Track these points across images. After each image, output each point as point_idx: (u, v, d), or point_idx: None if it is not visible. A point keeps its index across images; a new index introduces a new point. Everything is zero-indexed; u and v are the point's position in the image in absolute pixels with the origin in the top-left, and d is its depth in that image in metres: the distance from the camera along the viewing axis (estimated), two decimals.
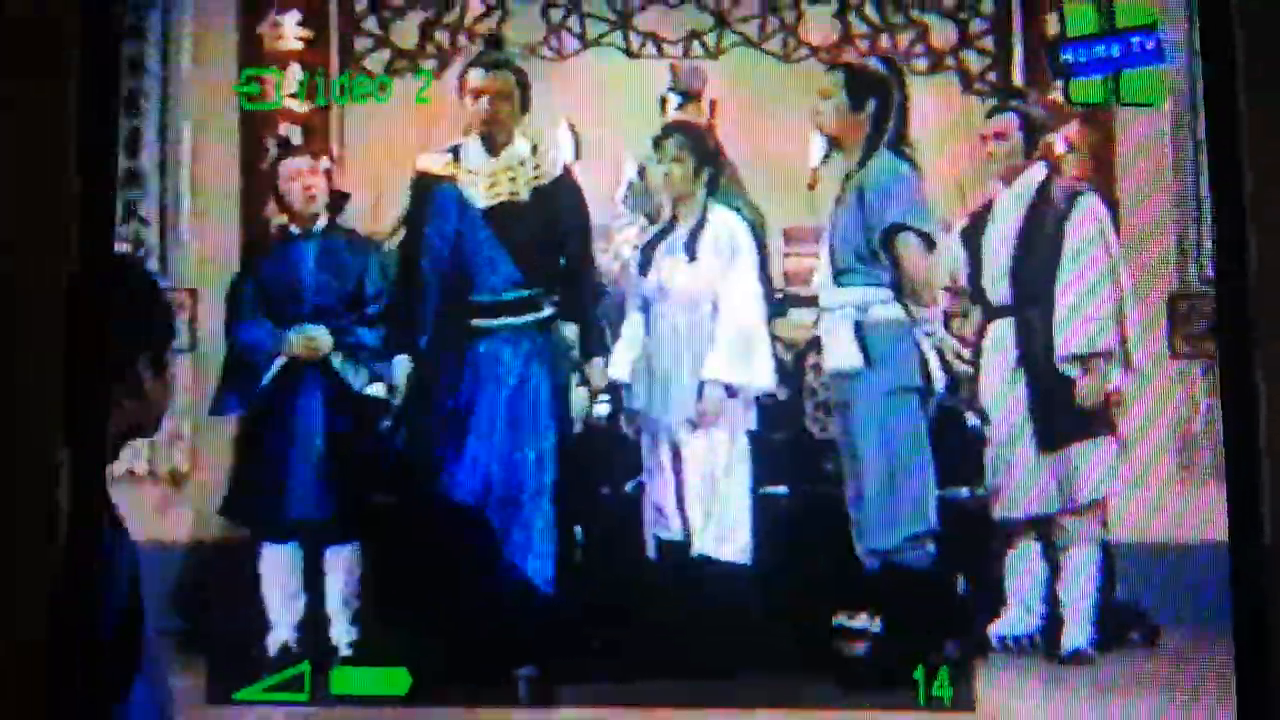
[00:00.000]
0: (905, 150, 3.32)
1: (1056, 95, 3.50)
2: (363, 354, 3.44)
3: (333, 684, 3.01)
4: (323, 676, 3.02)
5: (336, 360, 3.43)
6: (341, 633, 3.32)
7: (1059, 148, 3.50)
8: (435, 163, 3.44)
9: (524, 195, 3.40)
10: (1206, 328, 3.35)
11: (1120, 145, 3.49)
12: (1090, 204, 3.39)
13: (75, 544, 2.19)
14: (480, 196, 3.40)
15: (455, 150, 3.44)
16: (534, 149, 3.43)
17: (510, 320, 3.36)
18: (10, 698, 2.23)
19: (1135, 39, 3.18)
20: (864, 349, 3.24)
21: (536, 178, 3.41)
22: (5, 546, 2.27)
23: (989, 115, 3.52)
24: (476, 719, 2.98)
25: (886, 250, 3.26)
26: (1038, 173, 3.44)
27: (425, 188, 3.43)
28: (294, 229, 3.51)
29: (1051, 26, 3.55)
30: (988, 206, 3.46)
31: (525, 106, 3.42)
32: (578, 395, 3.40)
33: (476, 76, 3.41)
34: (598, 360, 3.42)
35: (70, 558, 2.19)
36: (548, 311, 3.39)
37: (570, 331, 3.43)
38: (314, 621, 3.34)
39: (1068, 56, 3.23)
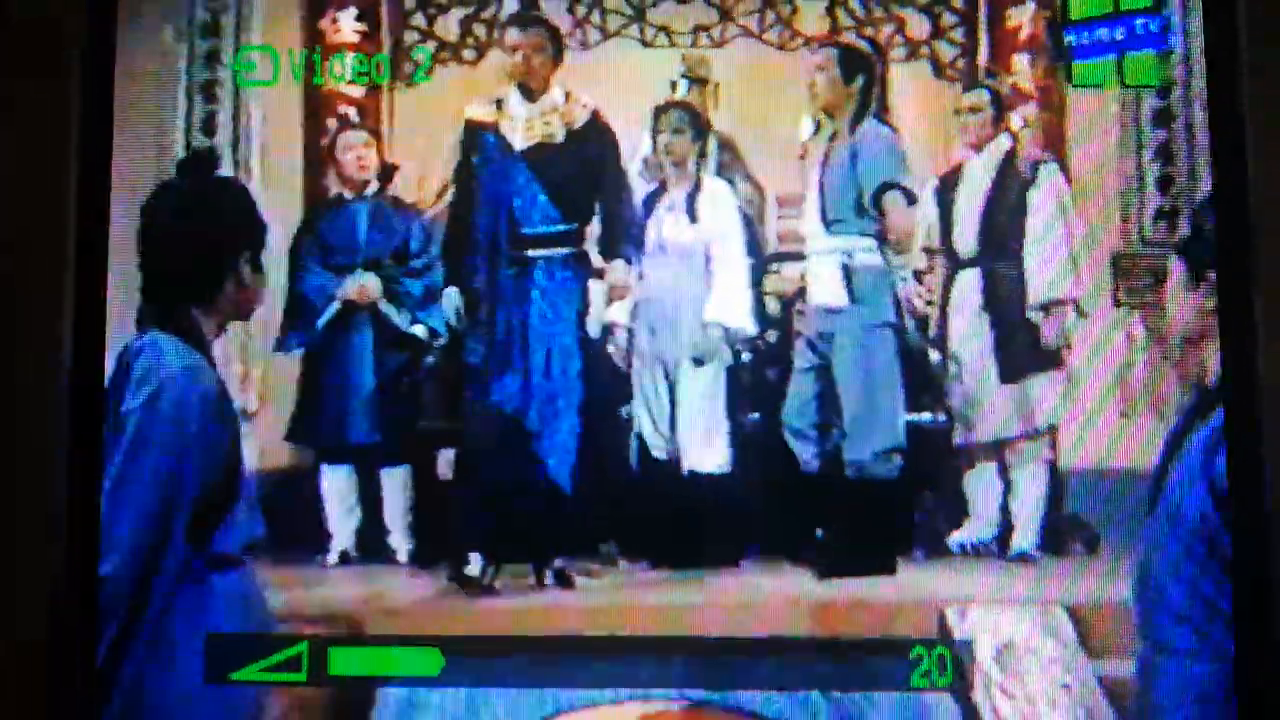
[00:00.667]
0: (887, 119, 3.78)
1: (1017, 79, 3.97)
2: (408, 300, 3.84)
3: (331, 664, 2.87)
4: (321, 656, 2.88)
5: (384, 305, 3.84)
6: (399, 540, 3.75)
7: (1016, 123, 3.90)
8: (480, 111, 3.81)
9: (559, 136, 3.75)
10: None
11: (1071, 123, 3.85)
12: (1050, 172, 3.77)
13: (75, 544, 2.38)
14: (519, 139, 3.76)
15: (498, 101, 3.80)
16: (567, 95, 3.78)
17: (547, 251, 3.72)
18: (10, 698, 2.36)
19: (1139, 21, 3.18)
20: (849, 288, 3.71)
21: (569, 120, 3.75)
22: (5, 546, 2.41)
23: (964, 90, 3.95)
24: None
25: (876, 205, 3.70)
26: (1005, 142, 3.85)
27: (472, 134, 3.79)
28: (348, 194, 3.93)
29: (1013, 20, 4.00)
30: (957, 170, 3.87)
31: (559, 58, 3.78)
32: (596, 293, 3.76)
33: (513, 34, 3.77)
34: (618, 262, 3.76)
35: (70, 558, 2.37)
36: (581, 245, 3.74)
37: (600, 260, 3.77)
38: (370, 533, 3.75)
39: (1070, 39, 3.24)
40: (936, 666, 2.76)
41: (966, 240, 3.86)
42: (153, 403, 2.24)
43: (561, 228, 3.73)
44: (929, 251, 3.90)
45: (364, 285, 3.84)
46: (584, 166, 3.76)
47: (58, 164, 2.51)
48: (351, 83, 3.97)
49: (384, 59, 3.92)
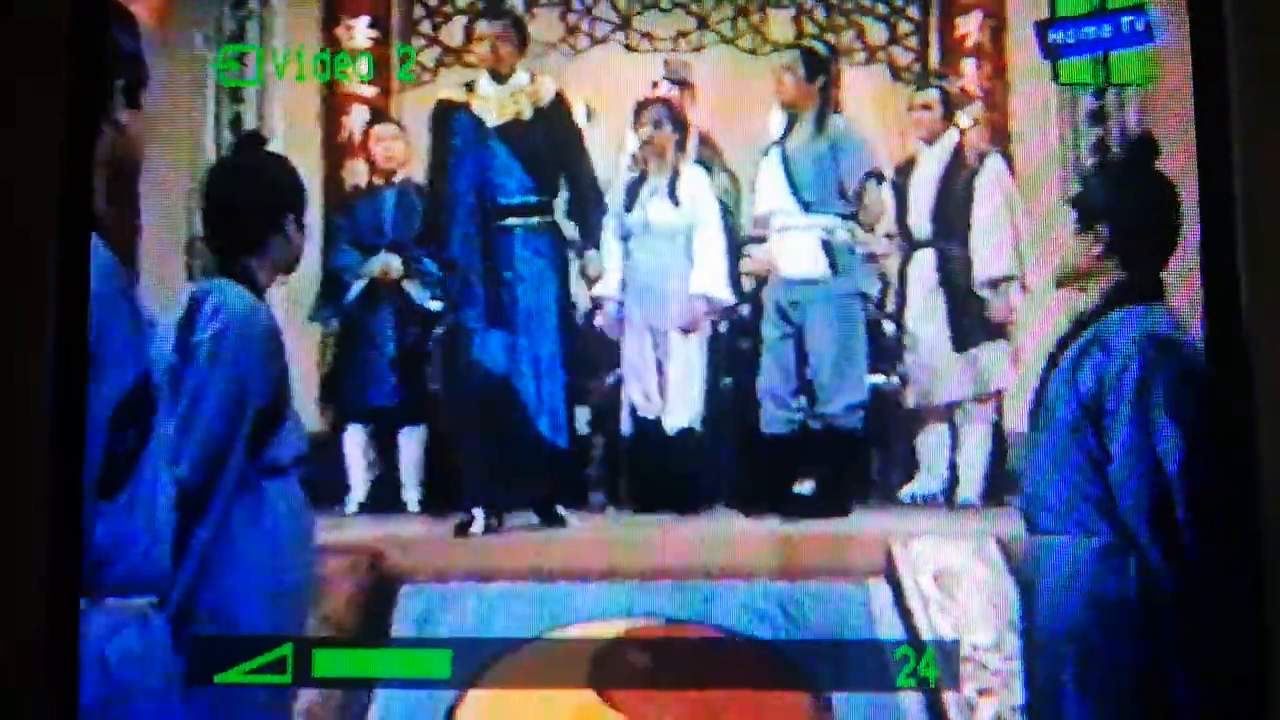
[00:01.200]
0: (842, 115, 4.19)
1: (964, 82, 4.37)
2: (427, 278, 4.19)
3: (315, 666, 2.93)
4: (305, 658, 2.93)
5: (407, 283, 4.21)
6: (411, 492, 4.17)
7: (965, 120, 4.30)
8: (453, 94, 4.14)
9: (528, 114, 4.08)
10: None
11: (1014, 121, 4.26)
12: (995, 163, 4.17)
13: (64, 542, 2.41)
14: (492, 117, 4.08)
15: (469, 84, 4.12)
16: (532, 77, 4.11)
17: (523, 220, 4.05)
18: (10, 697, 2.41)
19: (1125, 19, 3.18)
20: (830, 261, 4.11)
21: (536, 99, 4.08)
22: (5, 546, 2.48)
23: (918, 89, 4.35)
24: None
25: (858, 191, 4.13)
26: (954, 136, 4.26)
27: (445, 114, 4.12)
28: (377, 180, 4.31)
29: (961, 29, 4.41)
30: (910, 161, 4.28)
31: (524, 46, 4.11)
32: (578, 286, 4.12)
33: (482, 26, 4.13)
34: (592, 253, 4.14)
35: (60, 557, 2.41)
36: (553, 215, 4.08)
37: (571, 230, 4.14)
38: (384, 486, 4.16)
39: (1057, 37, 3.26)
40: (922, 667, 2.93)
41: (921, 223, 4.27)
42: (221, 334, 2.68)
43: (535, 198, 4.07)
44: (887, 236, 4.30)
45: (387, 265, 4.21)
46: (553, 141, 4.09)
47: (48, 159, 2.57)
48: (368, 82, 4.34)
49: (368, 58, 4.26)
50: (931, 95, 4.33)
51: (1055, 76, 3.32)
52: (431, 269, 4.19)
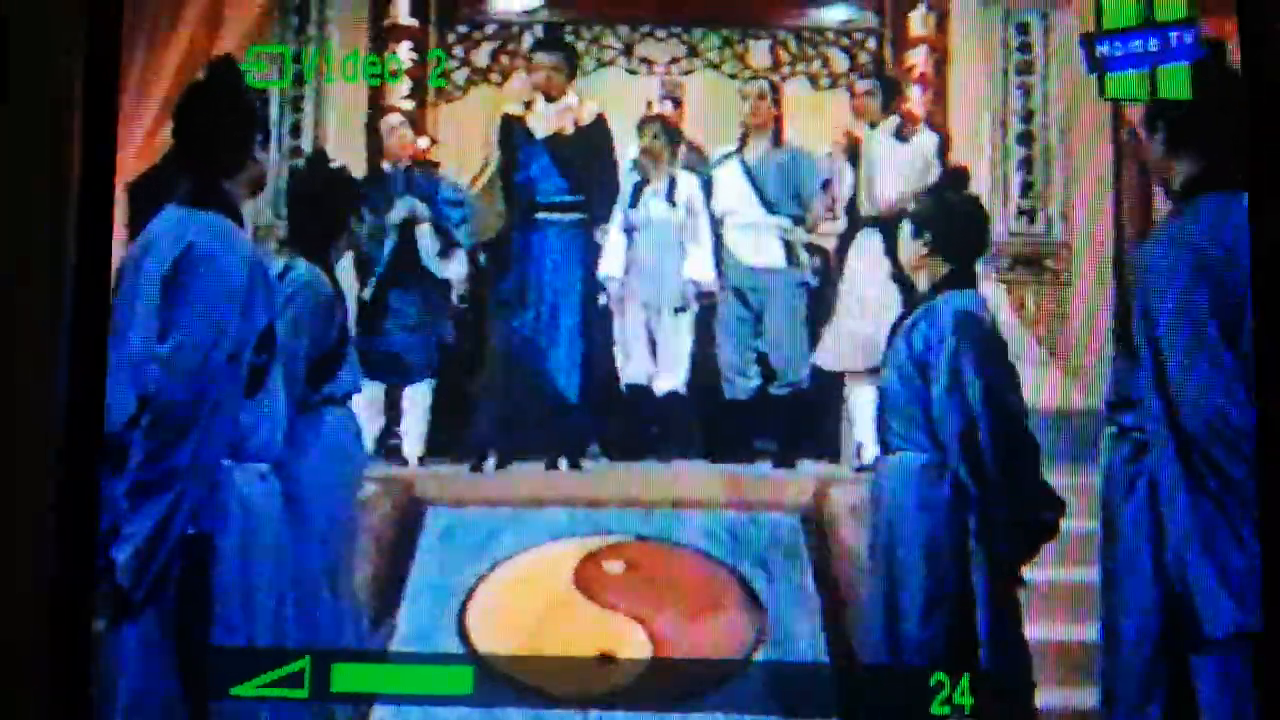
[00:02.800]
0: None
1: (911, 106, 5.00)
2: (448, 224, 4.74)
3: (334, 681, 3.06)
4: (324, 672, 3.08)
5: (420, 228, 4.73)
6: (413, 442, 4.79)
7: (912, 106, 4.95)
8: (514, 109, 4.85)
9: (570, 130, 4.76)
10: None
11: (953, 143, 4.84)
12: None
13: (69, 545, 2.58)
14: (541, 130, 4.77)
15: (528, 102, 4.82)
16: (580, 100, 4.79)
17: (559, 216, 4.74)
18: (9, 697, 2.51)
19: (1173, 33, 3.15)
20: (786, 255, 4.84)
21: (579, 119, 4.75)
22: (5, 545, 2.59)
23: (861, 78, 5.00)
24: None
25: (810, 198, 4.85)
26: (894, 121, 4.83)
27: (507, 125, 4.83)
28: (386, 165, 4.87)
29: (909, 61, 5.08)
30: (857, 150, 4.83)
31: (573, 74, 4.81)
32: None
33: (539, 56, 4.82)
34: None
35: (64, 558, 2.59)
36: (584, 214, 4.75)
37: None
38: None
39: (1104, 49, 3.23)
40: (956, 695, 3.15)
41: (889, 196, 4.76)
42: (291, 296, 3.50)
43: (570, 198, 4.76)
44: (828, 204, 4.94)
45: (413, 208, 4.78)
46: (588, 154, 4.78)
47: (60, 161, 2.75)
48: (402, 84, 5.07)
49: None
50: (873, 84, 4.93)
51: (1101, 90, 3.31)
52: (453, 215, 4.80)
